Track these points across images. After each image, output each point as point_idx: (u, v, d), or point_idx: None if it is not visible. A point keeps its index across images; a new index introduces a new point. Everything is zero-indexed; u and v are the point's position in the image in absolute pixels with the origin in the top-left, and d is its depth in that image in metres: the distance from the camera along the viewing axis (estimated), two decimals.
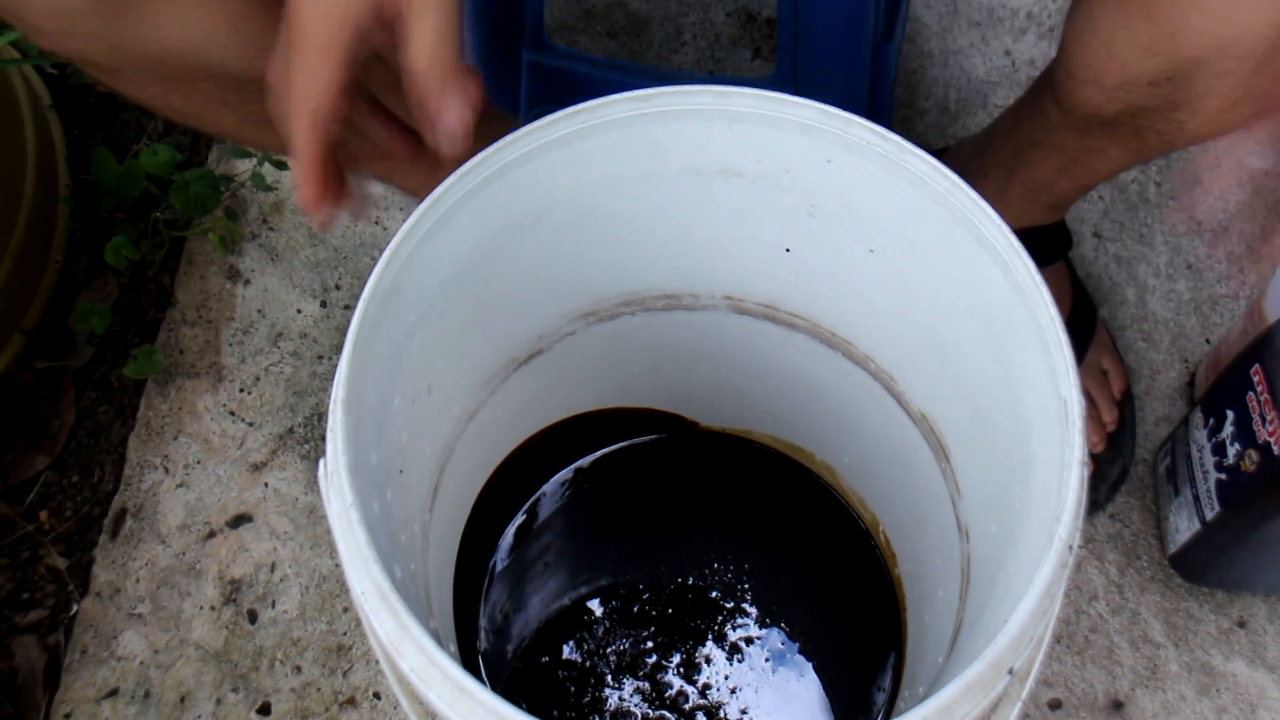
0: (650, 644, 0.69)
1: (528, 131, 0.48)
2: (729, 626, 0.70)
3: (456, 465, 0.59)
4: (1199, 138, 0.62)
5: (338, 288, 0.90)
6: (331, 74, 0.41)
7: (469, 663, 0.64)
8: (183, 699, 0.75)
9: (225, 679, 0.76)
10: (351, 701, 0.75)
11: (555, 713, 0.66)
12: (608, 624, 0.70)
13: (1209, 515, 0.70)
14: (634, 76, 0.80)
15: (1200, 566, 0.75)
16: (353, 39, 0.41)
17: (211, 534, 0.81)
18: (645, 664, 0.68)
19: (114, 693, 0.76)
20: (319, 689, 0.75)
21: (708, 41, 0.99)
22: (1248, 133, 0.96)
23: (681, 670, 0.68)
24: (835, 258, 0.55)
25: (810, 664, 0.69)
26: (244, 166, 0.93)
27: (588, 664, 0.68)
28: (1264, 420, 0.65)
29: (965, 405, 0.55)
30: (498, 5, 0.78)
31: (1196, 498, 0.72)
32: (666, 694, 0.67)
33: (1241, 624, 0.77)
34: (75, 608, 0.79)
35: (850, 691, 0.68)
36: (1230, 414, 0.69)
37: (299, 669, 0.76)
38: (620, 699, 0.67)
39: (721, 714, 0.67)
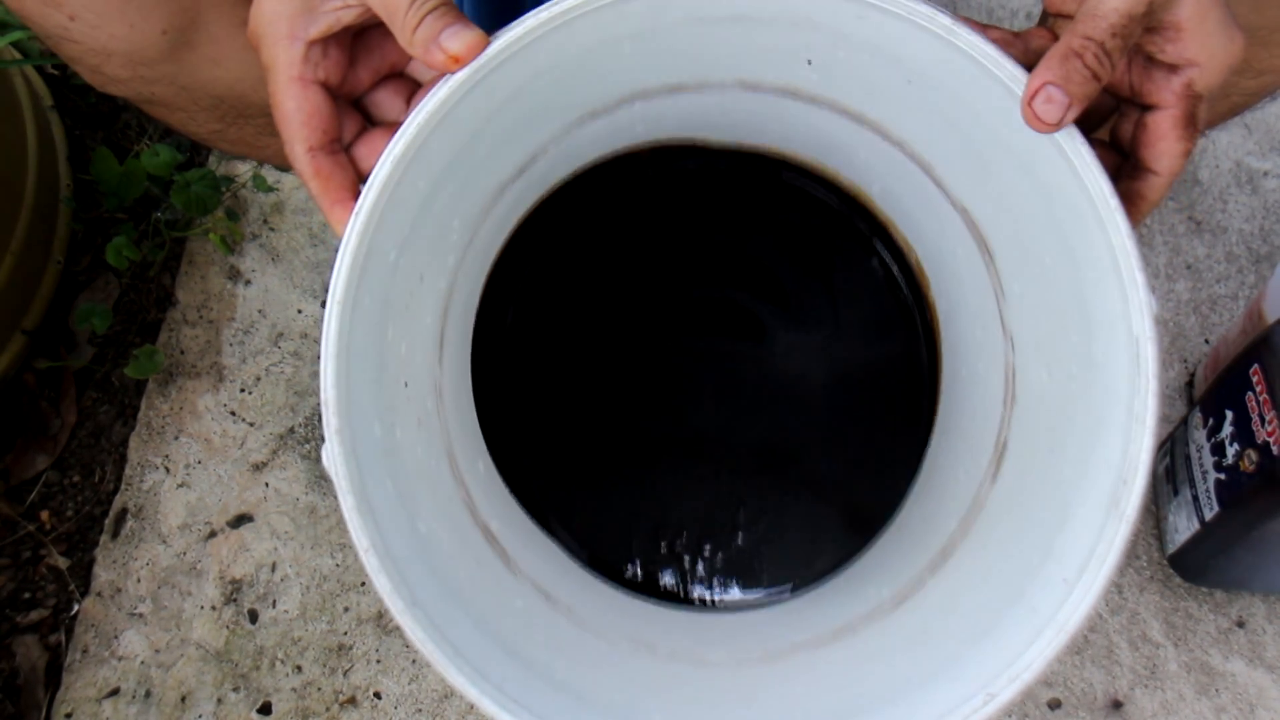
0: (674, 406, 0.64)
1: (505, 41, 0.42)
2: (752, 376, 0.63)
3: (456, 298, 0.56)
4: None
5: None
6: (312, 102, 0.41)
7: (505, 470, 0.60)
8: (184, 698, 0.76)
9: (226, 678, 0.76)
10: (352, 701, 0.75)
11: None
12: (629, 394, 0.64)
13: (1208, 515, 0.70)
14: None
15: (1199, 566, 0.75)
16: (317, 54, 0.41)
17: (212, 534, 0.81)
18: (676, 404, 0.63)
19: (115, 692, 0.76)
20: (319, 688, 0.76)
21: None
22: (1246, 131, 0.96)
23: (702, 435, 0.63)
24: (866, 75, 0.49)
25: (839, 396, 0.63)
26: (245, 167, 0.93)
27: (608, 444, 0.63)
28: (1263, 420, 0.65)
29: (1014, 242, 0.50)
30: (498, 6, 0.78)
31: (1195, 498, 0.72)
32: (685, 452, 0.63)
33: (1240, 624, 0.77)
34: (76, 607, 0.79)
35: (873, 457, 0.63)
36: (1229, 414, 0.69)
37: (299, 668, 0.76)
38: (645, 467, 0.63)
39: (739, 471, 0.63)
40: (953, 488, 0.55)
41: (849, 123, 0.55)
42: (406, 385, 0.49)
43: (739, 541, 0.61)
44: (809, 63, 0.51)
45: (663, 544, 0.61)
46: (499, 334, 0.63)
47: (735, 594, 0.60)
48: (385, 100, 0.46)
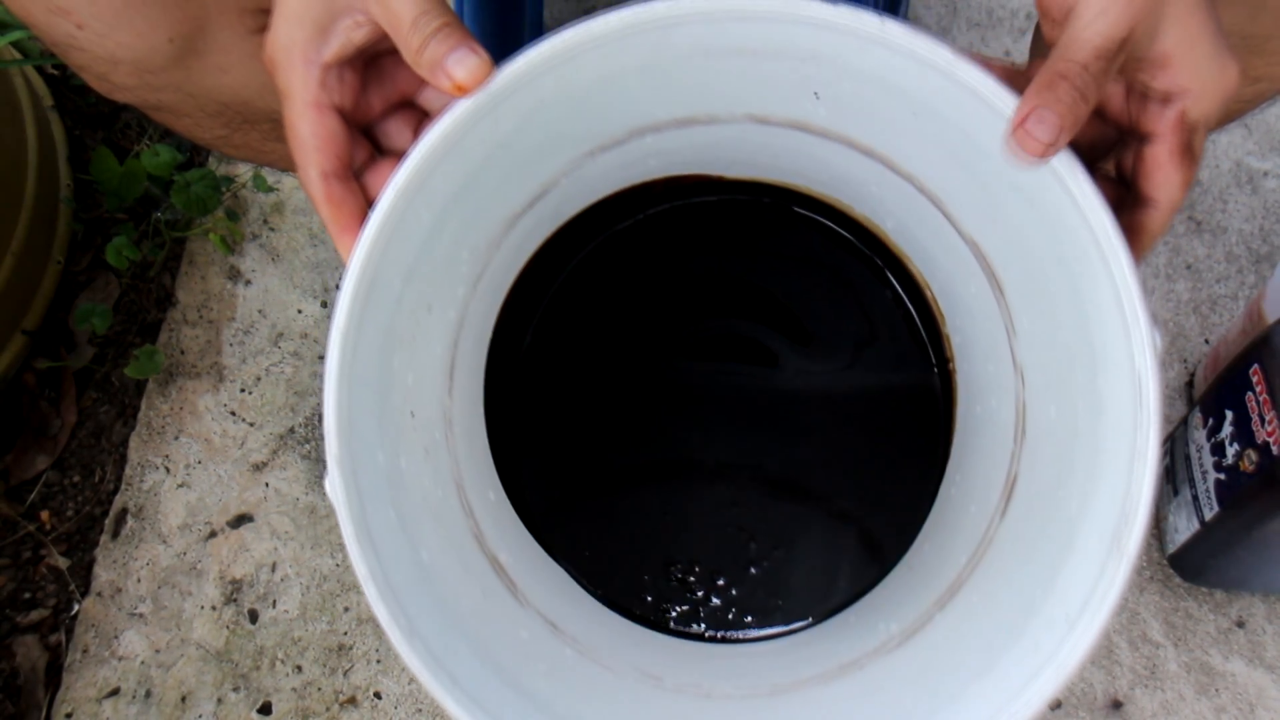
0: (686, 439, 0.64)
1: (515, 69, 0.42)
2: (764, 411, 0.64)
3: (468, 331, 0.55)
4: None
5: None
6: (328, 127, 0.41)
7: (517, 500, 0.60)
8: (184, 698, 0.76)
9: (226, 678, 0.76)
10: (352, 701, 0.75)
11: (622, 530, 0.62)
12: (643, 427, 0.64)
13: (1208, 515, 0.70)
14: None
15: (1199, 566, 0.75)
16: (333, 79, 0.41)
17: (212, 534, 0.81)
18: (680, 465, 0.63)
19: (115, 692, 0.76)
20: (320, 688, 0.76)
21: None
22: (1246, 131, 0.96)
23: (716, 469, 0.63)
24: (873, 108, 0.49)
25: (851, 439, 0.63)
26: (245, 168, 0.93)
27: (622, 475, 0.63)
28: (1263, 420, 0.65)
29: (1022, 271, 0.50)
30: (498, 6, 0.78)
31: (1195, 498, 0.72)
32: (699, 486, 0.63)
33: (1240, 624, 0.77)
34: (76, 607, 0.79)
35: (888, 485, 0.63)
36: (1229, 414, 0.69)
37: (300, 668, 0.76)
38: (657, 501, 0.63)
39: (752, 507, 0.63)
40: (964, 523, 0.55)
41: (860, 156, 0.55)
42: (413, 415, 0.49)
43: (752, 574, 0.61)
44: (816, 96, 0.51)
45: (675, 576, 0.61)
46: (513, 363, 0.63)
47: (747, 628, 0.60)
48: (395, 129, 0.46)
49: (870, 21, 0.43)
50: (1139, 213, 0.42)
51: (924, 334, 0.64)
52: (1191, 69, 0.39)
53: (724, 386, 0.65)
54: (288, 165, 0.62)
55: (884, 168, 0.55)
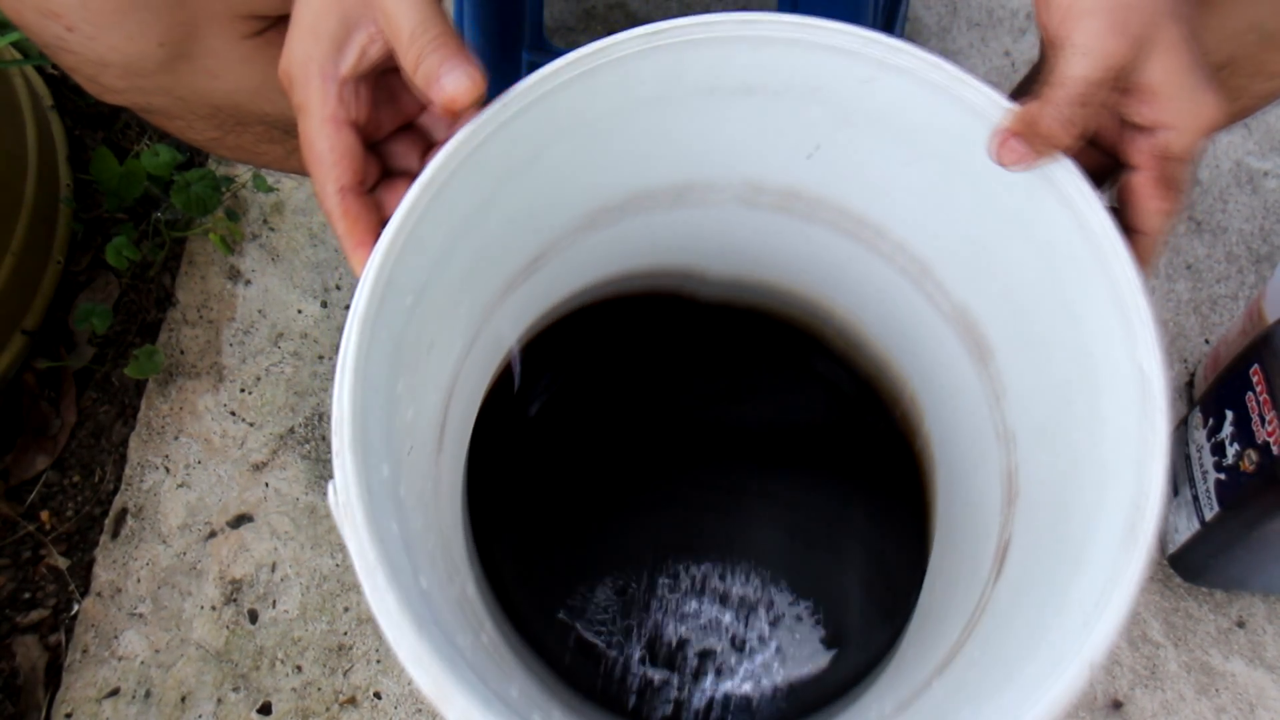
0: (665, 537, 0.65)
1: (531, 83, 0.43)
2: (747, 514, 0.65)
3: (459, 395, 0.56)
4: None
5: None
6: (345, 142, 0.42)
7: (495, 587, 0.61)
8: (184, 698, 0.76)
9: (226, 678, 0.76)
10: (352, 701, 0.75)
11: (590, 617, 0.63)
12: (621, 521, 0.65)
13: (1208, 515, 0.70)
14: None
15: (1199, 566, 0.75)
16: (350, 94, 0.41)
17: (212, 534, 0.81)
18: (660, 561, 0.64)
19: (115, 692, 0.76)
20: (320, 689, 0.76)
21: None
22: (1247, 132, 0.96)
23: (696, 567, 0.64)
24: (868, 163, 0.50)
25: (829, 539, 0.64)
26: (245, 168, 0.93)
27: (601, 566, 0.64)
28: (1263, 420, 0.65)
29: (1014, 321, 0.50)
30: (497, 7, 0.78)
31: (1196, 498, 0.72)
32: (681, 584, 0.64)
33: (1240, 624, 0.77)
34: (76, 607, 0.79)
35: (870, 581, 0.64)
36: (1229, 414, 0.69)
37: (300, 668, 0.76)
38: (636, 596, 0.64)
39: (734, 601, 0.64)
40: (956, 601, 0.55)
41: (845, 240, 0.55)
42: (410, 451, 0.49)
43: (736, 667, 0.62)
44: (815, 149, 0.51)
45: (657, 676, 0.61)
46: (496, 451, 0.64)
47: None
48: (401, 150, 0.47)
49: (876, 40, 0.44)
50: (1130, 241, 0.43)
51: (902, 432, 0.65)
52: (1174, 103, 0.40)
53: (710, 482, 0.66)
54: (282, 167, 0.62)
55: (868, 250, 0.55)
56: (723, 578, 0.64)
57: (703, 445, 0.67)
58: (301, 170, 0.66)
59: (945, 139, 0.46)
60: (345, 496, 0.39)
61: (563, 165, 0.50)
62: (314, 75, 0.41)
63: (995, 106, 0.43)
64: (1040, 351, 0.49)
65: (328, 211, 0.43)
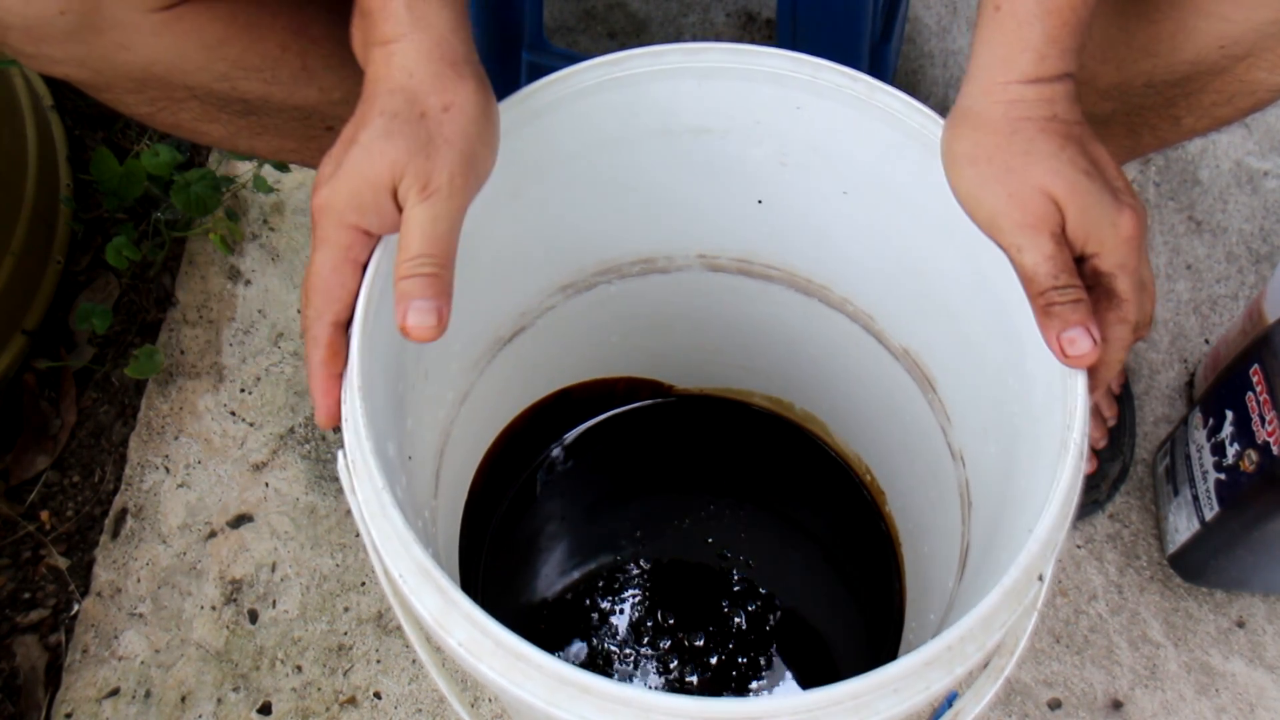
0: (648, 614, 0.70)
1: (503, 109, 0.48)
2: (726, 589, 0.70)
3: (453, 450, 0.59)
4: (1194, 133, 0.62)
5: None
6: (355, 283, 0.45)
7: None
8: (184, 698, 0.76)
9: (226, 678, 0.76)
10: (352, 701, 0.75)
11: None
12: (605, 600, 0.70)
13: (1208, 515, 0.70)
14: None
15: (1199, 566, 0.75)
16: (361, 241, 0.45)
17: (212, 534, 0.81)
18: (644, 634, 0.69)
19: (115, 692, 0.76)
20: (319, 688, 0.76)
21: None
22: (1247, 131, 0.96)
23: (682, 636, 0.69)
24: (809, 204, 0.55)
25: (809, 607, 0.69)
26: (245, 168, 0.93)
27: (590, 644, 0.69)
28: (1263, 420, 0.65)
29: (950, 335, 0.55)
30: (497, 6, 0.78)
31: (1196, 497, 0.72)
32: (670, 659, 0.68)
33: (1240, 624, 0.77)
34: (76, 607, 0.79)
35: (852, 630, 0.69)
36: (1229, 414, 0.69)
37: (299, 668, 0.76)
38: (625, 667, 0.68)
39: (721, 671, 0.68)
40: (926, 628, 0.60)
41: (796, 295, 0.61)
42: (410, 459, 0.52)
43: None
44: (761, 201, 0.56)
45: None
46: (485, 526, 0.70)
47: None
48: None
49: (803, 62, 0.49)
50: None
51: (869, 496, 0.72)
52: (1093, 233, 0.43)
53: (684, 566, 0.72)
54: (229, 146, 0.64)
55: (820, 303, 0.61)
56: (693, 655, 0.69)
57: (682, 527, 0.73)
58: (248, 152, 0.68)
59: (872, 154, 0.50)
60: (354, 422, 0.42)
61: (538, 208, 0.54)
62: (349, 222, 0.44)
63: (914, 111, 0.47)
64: (975, 349, 0.53)
65: (313, 338, 0.45)
